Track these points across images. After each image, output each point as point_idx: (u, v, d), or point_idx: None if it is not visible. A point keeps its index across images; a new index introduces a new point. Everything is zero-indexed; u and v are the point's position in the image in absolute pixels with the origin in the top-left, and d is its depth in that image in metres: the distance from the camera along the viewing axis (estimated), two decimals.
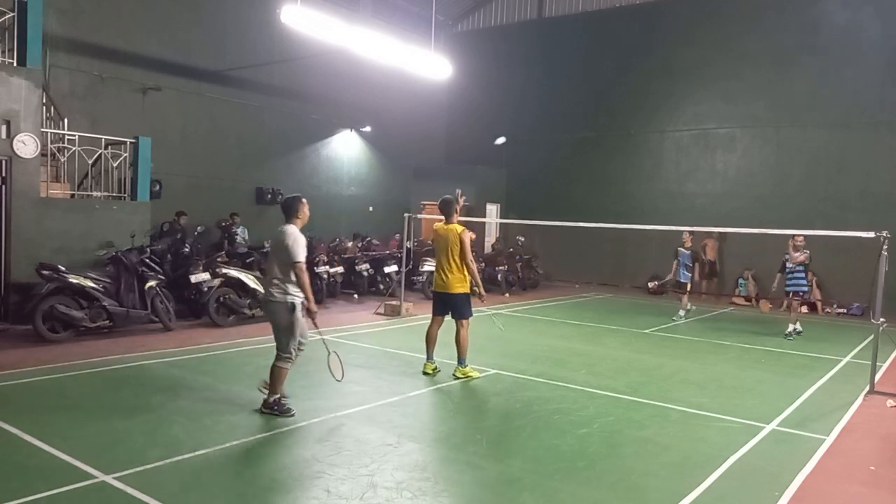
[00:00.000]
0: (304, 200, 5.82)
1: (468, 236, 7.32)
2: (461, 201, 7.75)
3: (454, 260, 7.30)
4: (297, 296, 5.58)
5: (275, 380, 5.70)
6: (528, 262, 16.84)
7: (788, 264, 10.98)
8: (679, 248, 12.39)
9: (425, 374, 7.35)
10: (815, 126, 15.63)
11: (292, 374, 7.12)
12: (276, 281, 5.58)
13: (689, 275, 12.40)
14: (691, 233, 12.32)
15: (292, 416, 5.59)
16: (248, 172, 15.78)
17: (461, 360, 7.36)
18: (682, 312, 12.46)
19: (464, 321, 7.38)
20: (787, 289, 11.12)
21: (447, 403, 6.48)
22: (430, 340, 7.52)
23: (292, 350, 5.69)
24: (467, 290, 7.40)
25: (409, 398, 6.49)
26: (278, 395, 5.71)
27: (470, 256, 7.28)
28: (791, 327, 10.95)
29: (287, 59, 16.04)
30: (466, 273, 7.34)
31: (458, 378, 7.24)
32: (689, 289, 12.52)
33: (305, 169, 17.27)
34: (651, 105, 17.92)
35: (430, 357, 7.47)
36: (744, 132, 16.65)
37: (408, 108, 19.38)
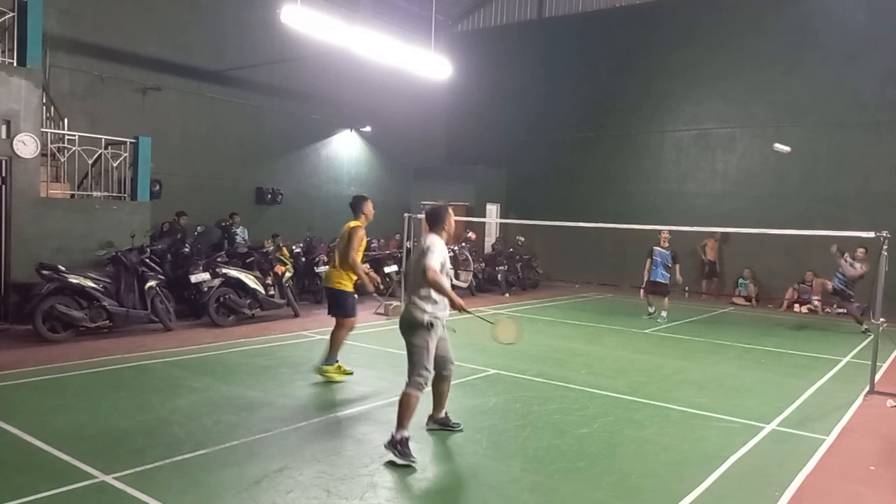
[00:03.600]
0: (450, 210, 5.19)
1: (357, 233, 6.84)
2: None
3: (338, 254, 6.98)
4: (432, 313, 4.88)
5: (403, 410, 4.81)
6: (528, 262, 16.85)
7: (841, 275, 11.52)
8: (655, 248, 12.11)
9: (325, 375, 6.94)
10: (815, 126, 15.63)
11: (293, 374, 7.14)
12: (414, 297, 4.94)
13: (668, 276, 12.00)
14: (670, 232, 12.10)
15: (414, 463, 4.66)
16: (248, 172, 15.78)
17: (327, 358, 6.94)
18: (664, 314, 12.05)
19: (341, 320, 7.00)
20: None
21: (447, 404, 6.46)
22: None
23: (427, 371, 4.91)
24: (345, 289, 6.95)
25: None
26: (407, 434, 4.77)
27: (353, 255, 6.77)
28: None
29: (287, 59, 16.04)
30: (352, 271, 6.90)
31: (317, 373, 6.93)
32: (669, 290, 12.19)
33: (305, 169, 17.27)
34: (651, 105, 17.93)
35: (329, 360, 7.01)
36: (744, 132, 16.65)
37: (408, 108, 19.37)
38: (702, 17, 17.18)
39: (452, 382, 5.31)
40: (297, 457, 4.80)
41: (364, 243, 7.06)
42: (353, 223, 6.99)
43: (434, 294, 4.87)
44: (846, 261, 11.52)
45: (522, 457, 4.95)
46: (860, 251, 11.46)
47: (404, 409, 4.81)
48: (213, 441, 4.99)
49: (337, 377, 6.95)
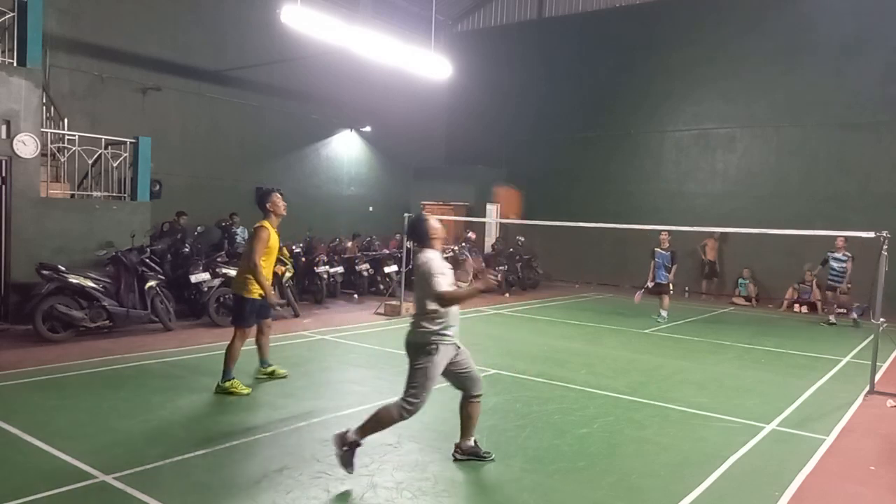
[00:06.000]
0: (428, 219, 4.70)
1: (259, 234, 6.24)
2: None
3: (243, 257, 6.57)
4: (437, 331, 4.44)
5: (375, 423, 4.48)
6: (528, 262, 16.84)
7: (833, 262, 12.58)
8: (656, 249, 12.17)
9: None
10: (815, 126, 15.63)
11: (293, 374, 7.12)
12: (417, 317, 4.53)
13: (668, 276, 12.09)
14: (669, 233, 12.17)
15: (350, 473, 4.41)
16: (248, 172, 15.77)
17: (224, 373, 6.33)
18: (664, 314, 12.08)
19: (234, 329, 6.44)
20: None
21: (447, 403, 6.43)
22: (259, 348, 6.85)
23: (419, 399, 4.42)
24: (245, 294, 6.32)
25: None
26: (361, 442, 4.48)
27: (253, 259, 6.16)
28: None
29: (287, 59, 16.04)
30: (250, 273, 6.28)
31: (217, 393, 6.27)
32: (670, 290, 12.27)
33: (305, 169, 17.27)
34: (651, 105, 17.93)
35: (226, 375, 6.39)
36: (744, 132, 16.66)
37: (408, 108, 19.38)
38: (702, 17, 17.18)
39: (447, 384, 4.79)
40: (297, 457, 4.80)
41: (273, 246, 6.37)
42: (259, 222, 6.37)
43: (442, 310, 4.43)
44: (834, 258, 12.63)
45: (522, 457, 4.95)
46: (839, 241, 12.43)
47: (377, 422, 4.47)
48: (213, 441, 4.99)
49: (242, 391, 6.28)
